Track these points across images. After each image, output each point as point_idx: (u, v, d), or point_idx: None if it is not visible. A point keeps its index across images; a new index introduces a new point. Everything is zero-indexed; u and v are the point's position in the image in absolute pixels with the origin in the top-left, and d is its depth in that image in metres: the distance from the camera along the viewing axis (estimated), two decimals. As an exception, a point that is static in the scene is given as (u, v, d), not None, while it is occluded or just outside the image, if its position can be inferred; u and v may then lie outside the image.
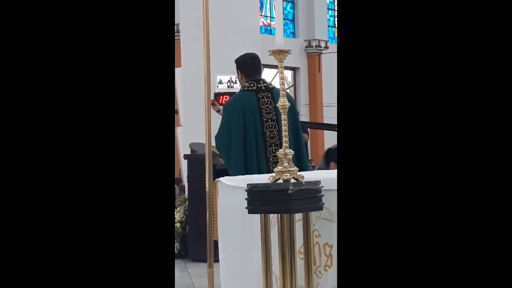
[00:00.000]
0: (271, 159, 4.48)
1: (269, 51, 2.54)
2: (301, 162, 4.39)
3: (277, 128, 4.53)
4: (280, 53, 2.54)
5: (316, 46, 18.87)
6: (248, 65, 4.84)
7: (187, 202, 6.75)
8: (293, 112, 4.60)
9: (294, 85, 19.24)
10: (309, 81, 18.86)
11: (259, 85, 4.63)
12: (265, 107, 4.59)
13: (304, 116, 17.22)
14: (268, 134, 4.55)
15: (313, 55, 18.93)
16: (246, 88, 4.66)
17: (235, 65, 4.96)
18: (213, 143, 4.73)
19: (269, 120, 4.57)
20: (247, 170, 4.24)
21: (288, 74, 18.58)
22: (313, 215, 2.62)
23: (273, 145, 4.52)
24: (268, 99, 4.61)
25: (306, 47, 18.81)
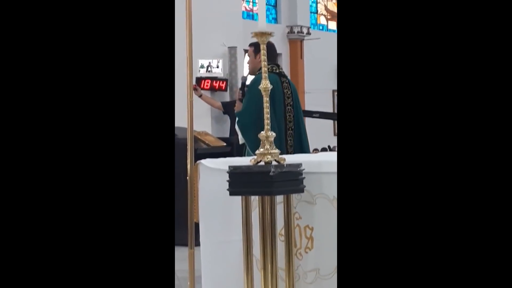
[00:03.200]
0: (289, 141, 4.77)
1: (251, 33, 2.54)
2: (303, 145, 4.63)
3: (293, 113, 4.83)
4: (263, 35, 2.54)
5: (298, 32, 18.82)
6: (269, 49, 4.95)
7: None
8: (296, 95, 4.93)
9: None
10: (291, 68, 18.82)
11: (280, 70, 4.85)
12: (286, 91, 4.87)
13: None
14: (287, 117, 4.81)
15: (295, 41, 18.87)
16: (269, 71, 4.77)
17: (246, 49, 5.16)
18: (206, 126, 4.79)
19: (288, 105, 4.85)
20: None
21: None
22: (294, 197, 2.63)
23: (290, 129, 4.83)
24: (287, 84, 4.90)
25: (288, 33, 18.75)
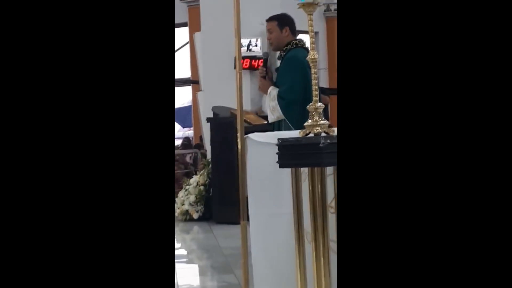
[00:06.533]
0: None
1: (298, 4, 2.51)
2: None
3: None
4: (309, 6, 2.51)
5: (335, 9, 18.67)
6: (293, 22, 4.91)
7: (210, 165, 6.78)
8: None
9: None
10: (327, 46, 18.69)
11: (305, 44, 4.74)
12: None
13: (323, 81, 17.14)
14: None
15: (332, 19, 18.71)
16: (300, 46, 4.74)
17: (264, 24, 5.00)
18: (246, 104, 4.72)
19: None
20: None
21: (304, 38, 18.38)
22: (344, 169, 2.61)
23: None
24: None
25: (325, 11, 18.60)
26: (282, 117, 4.99)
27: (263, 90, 5.36)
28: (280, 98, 4.95)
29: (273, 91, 5.11)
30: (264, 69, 5.49)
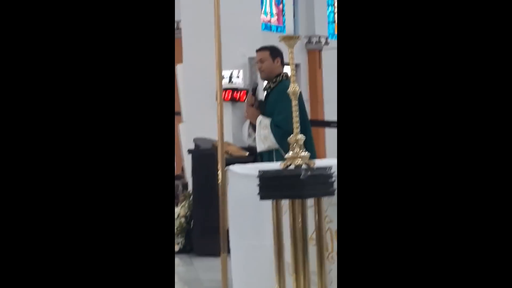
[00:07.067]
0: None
1: (279, 37, 2.54)
2: (307, 150, 4.44)
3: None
4: (291, 39, 2.54)
5: (316, 42, 18.84)
6: (283, 54, 4.96)
7: (191, 197, 6.75)
8: (300, 98, 4.70)
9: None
10: (309, 78, 18.83)
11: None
12: None
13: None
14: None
15: (314, 51, 18.89)
16: (286, 77, 4.87)
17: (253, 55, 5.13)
18: (228, 136, 4.72)
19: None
20: None
21: (288, 70, 18.44)
22: (325, 200, 2.62)
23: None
24: None
25: (306, 43, 18.78)
26: (274, 146, 4.96)
27: (252, 119, 5.34)
28: (277, 127, 4.92)
29: (264, 120, 5.09)
30: (253, 97, 5.48)
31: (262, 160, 5.08)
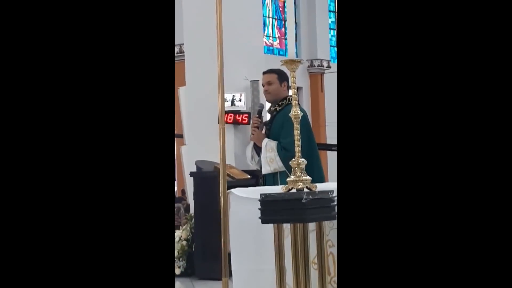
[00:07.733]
0: None
1: (281, 61, 2.55)
2: (314, 172, 4.41)
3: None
4: (293, 63, 2.55)
5: (318, 65, 18.91)
6: (288, 78, 4.99)
7: (193, 220, 6.73)
8: (305, 121, 4.73)
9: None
10: (311, 101, 18.87)
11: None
12: None
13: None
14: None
15: (316, 75, 18.96)
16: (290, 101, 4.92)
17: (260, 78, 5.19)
18: (230, 159, 4.72)
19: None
20: None
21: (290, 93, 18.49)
22: (327, 224, 2.61)
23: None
24: None
25: (308, 66, 18.86)
26: (280, 169, 4.95)
27: (257, 141, 5.33)
28: (285, 150, 4.92)
29: (270, 142, 5.09)
30: (259, 120, 5.47)
31: (265, 183, 5.07)
